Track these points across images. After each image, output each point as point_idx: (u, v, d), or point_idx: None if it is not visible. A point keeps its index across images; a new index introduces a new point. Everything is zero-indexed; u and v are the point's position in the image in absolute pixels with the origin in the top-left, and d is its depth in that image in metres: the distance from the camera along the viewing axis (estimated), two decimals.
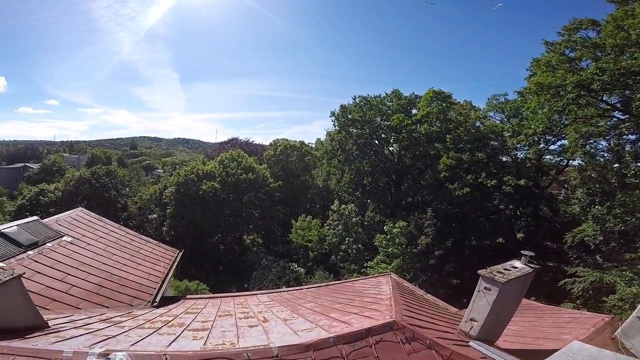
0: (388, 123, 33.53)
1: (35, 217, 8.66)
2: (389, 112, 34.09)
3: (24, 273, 4.19)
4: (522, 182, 22.71)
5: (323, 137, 47.82)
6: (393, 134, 33.59)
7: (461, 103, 32.51)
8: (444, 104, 30.44)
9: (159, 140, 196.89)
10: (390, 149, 36.31)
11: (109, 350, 3.26)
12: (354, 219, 29.86)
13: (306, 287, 12.03)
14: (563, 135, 22.82)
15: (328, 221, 31.70)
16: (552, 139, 25.16)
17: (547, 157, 26.62)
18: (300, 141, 43.58)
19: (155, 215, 38.03)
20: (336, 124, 36.12)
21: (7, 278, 3.74)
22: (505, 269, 4.83)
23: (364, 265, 24.15)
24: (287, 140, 43.27)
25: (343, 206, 30.55)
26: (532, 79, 19.15)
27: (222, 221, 32.69)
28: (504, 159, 27.73)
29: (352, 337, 3.90)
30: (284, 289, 12.36)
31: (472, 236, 22.57)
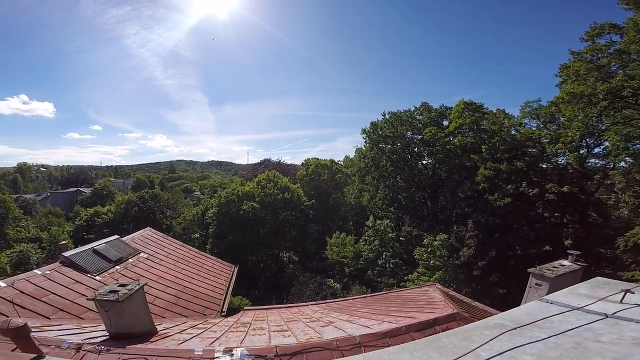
0: (420, 137, 33.61)
1: (116, 236, 9.84)
2: (420, 125, 34.23)
3: (146, 283, 4.99)
4: (565, 188, 21.97)
5: (351, 154, 48.34)
6: (426, 147, 33.54)
7: (494, 112, 32.13)
8: (476, 114, 30.24)
9: (194, 164, 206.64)
10: (424, 162, 36.16)
11: (229, 347, 3.93)
12: (390, 234, 29.80)
13: (351, 298, 12.39)
14: (606, 139, 22.33)
15: (363, 237, 31.84)
16: (594, 143, 24.42)
17: (592, 160, 25.70)
18: (330, 159, 44.46)
19: (197, 235, 39.98)
20: (367, 140, 36.65)
21: (137, 287, 4.52)
22: (554, 267, 5.22)
23: (404, 278, 23.98)
24: (317, 159, 44.26)
25: (378, 222, 30.63)
26: (563, 87, 19.27)
27: (261, 239, 33.76)
28: (544, 166, 26.92)
29: (421, 326, 4.56)
30: (330, 300, 12.77)
31: (517, 246, 21.93)
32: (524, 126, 30.16)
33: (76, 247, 9.19)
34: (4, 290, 6.23)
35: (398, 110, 35.54)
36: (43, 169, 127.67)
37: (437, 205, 34.22)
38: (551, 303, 1.81)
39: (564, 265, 5.23)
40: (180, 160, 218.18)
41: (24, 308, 6.01)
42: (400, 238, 32.73)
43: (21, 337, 3.39)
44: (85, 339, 4.28)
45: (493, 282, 20.14)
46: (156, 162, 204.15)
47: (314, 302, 11.39)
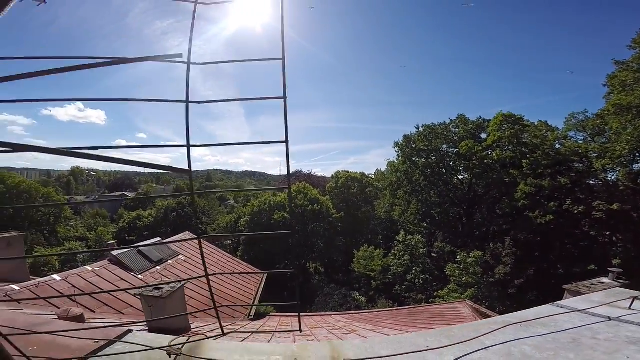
0: (456, 150, 32.69)
1: (158, 238, 10.58)
2: (456, 138, 33.32)
3: (187, 282, 5.41)
4: (615, 206, 20.40)
5: (383, 168, 47.88)
6: (462, 161, 32.52)
7: (535, 124, 30.56)
8: (516, 127, 28.99)
9: (229, 173, 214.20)
10: (460, 177, 34.96)
11: None
12: (422, 250, 29.08)
13: (376, 310, 12.21)
14: None
15: (393, 251, 31.34)
16: None
17: None
18: (361, 173, 44.28)
19: (229, 242, 41.29)
20: (400, 154, 36.21)
21: (178, 286, 4.93)
22: (592, 284, 4.92)
23: (433, 295, 23.35)
24: (348, 172, 44.32)
25: (409, 237, 30.05)
26: (610, 98, 18.05)
27: (289, 249, 34.27)
28: (591, 182, 25.08)
29: None
30: (354, 311, 12.67)
31: (559, 264, 20.61)
32: (570, 139, 28.38)
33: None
34: (59, 284, 6.93)
35: (432, 123, 34.85)
36: (93, 173, 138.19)
37: (473, 221, 32.90)
38: (561, 307, 1.88)
39: (603, 283, 4.95)
40: (217, 169, 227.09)
41: (74, 301, 6.63)
42: (432, 254, 31.81)
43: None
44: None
45: (530, 301, 19.06)
46: (194, 171, 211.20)
47: (337, 312, 11.41)
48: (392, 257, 30.84)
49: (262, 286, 12.00)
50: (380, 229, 41.80)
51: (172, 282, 5.14)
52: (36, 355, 1.45)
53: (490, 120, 31.96)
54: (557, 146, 27.78)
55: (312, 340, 4.90)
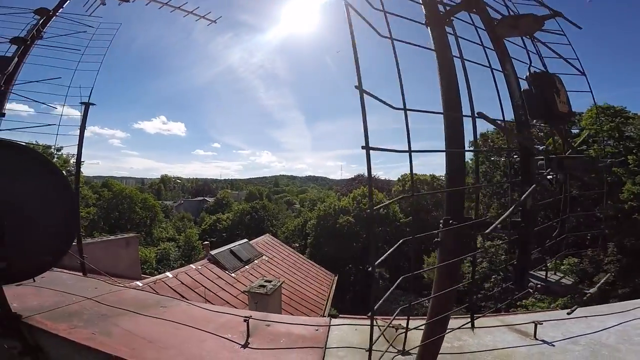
0: (542, 147, 29.33)
1: (245, 240, 11.60)
2: (542, 134, 29.93)
3: (284, 281, 5.97)
4: None
5: None
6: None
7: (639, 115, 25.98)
8: (616, 119, 25.02)
9: (294, 178, 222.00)
10: (549, 177, 31.32)
11: None
12: (503, 257, 26.75)
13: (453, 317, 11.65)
14: None
15: (469, 258, 29.50)
16: None
17: None
18: (431, 175, 42.30)
19: (297, 245, 43.02)
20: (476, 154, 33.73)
21: (278, 284, 5.49)
22: None
23: (516, 304, 21.29)
24: (416, 174, 42.67)
25: (488, 243, 27.86)
26: None
27: (354, 253, 34.40)
28: None
29: None
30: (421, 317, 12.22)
31: None
32: None
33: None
34: (171, 280, 8.03)
35: (512, 118, 31.78)
36: (179, 181, 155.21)
37: (566, 226, 29.22)
38: None
39: None
40: (283, 175, 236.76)
41: (182, 296, 7.61)
42: (515, 261, 29.11)
43: None
44: None
45: None
46: (263, 177, 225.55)
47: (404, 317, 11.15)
48: (467, 264, 29.02)
49: (333, 288, 12.33)
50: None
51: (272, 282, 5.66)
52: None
53: (581, 113, 28.04)
54: None
55: None
